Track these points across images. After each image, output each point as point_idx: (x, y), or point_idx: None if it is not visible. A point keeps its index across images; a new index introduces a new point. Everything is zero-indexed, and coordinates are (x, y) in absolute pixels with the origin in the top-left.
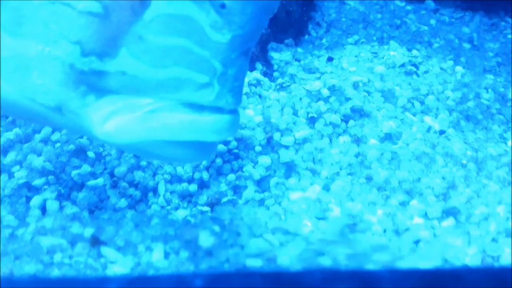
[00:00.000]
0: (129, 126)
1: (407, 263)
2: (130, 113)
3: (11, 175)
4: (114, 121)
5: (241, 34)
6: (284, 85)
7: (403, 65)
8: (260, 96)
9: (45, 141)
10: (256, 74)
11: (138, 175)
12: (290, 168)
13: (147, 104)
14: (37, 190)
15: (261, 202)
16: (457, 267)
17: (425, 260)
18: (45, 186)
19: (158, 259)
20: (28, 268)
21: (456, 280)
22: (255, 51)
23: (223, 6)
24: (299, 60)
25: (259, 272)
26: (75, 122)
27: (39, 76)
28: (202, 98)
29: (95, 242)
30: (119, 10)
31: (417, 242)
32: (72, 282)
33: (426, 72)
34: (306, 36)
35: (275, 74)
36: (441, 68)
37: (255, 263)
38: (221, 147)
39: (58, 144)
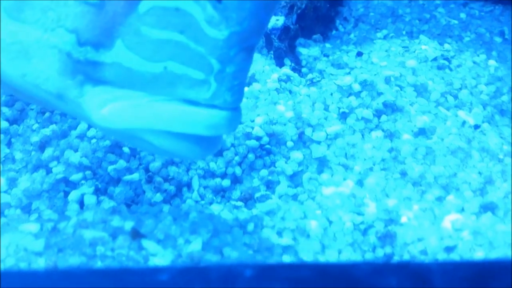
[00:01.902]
0: (124, 112)
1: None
2: (125, 100)
3: (49, 171)
4: (110, 107)
5: (239, 30)
6: (314, 80)
7: (435, 59)
8: (290, 91)
9: (81, 137)
10: (285, 70)
11: (172, 170)
12: (322, 163)
13: (142, 96)
14: (74, 185)
15: (295, 197)
16: (504, 259)
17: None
18: (83, 181)
19: (198, 251)
20: (72, 260)
21: (505, 272)
22: (283, 47)
23: (219, 0)
24: (327, 56)
25: (308, 264)
26: (76, 110)
27: (38, 62)
28: (198, 95)
29: (136, 235)
30: (114, 0)
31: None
32: (124, 272)
33: (459, 66)
34: (334, 32)
35: (304, 70)
36: (474, 62)
37: None
38: (253, 142)
39: (94, 140)
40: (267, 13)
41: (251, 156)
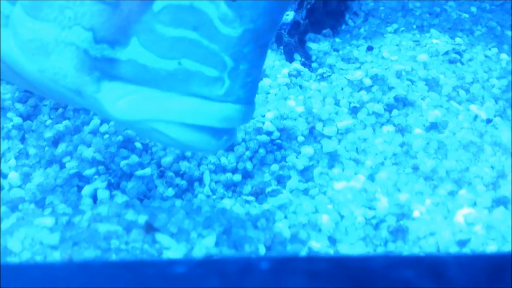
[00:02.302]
0: (140, 104)
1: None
2: (141, 93)
3: (62, 166)
4: (126, 99)
5: (253, 28)
6: (325, 75)
7: (446, 53)
8: (301, 86)
9: (94, 132)
10: (296, 65)
11: (184, 165)
12: (333, 158)
13: (156, 92)
14: (88, 179)
15: (306, 191)
16: None
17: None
18: (96, 176)
19: (211, 245)
20: (87, 253)
21: None
22: (293, 42)
23: None
24: (337, 50)
25: (324, 256)
26: (93, 105)
27: (57, 59)
28: (211, 92)
29: (149, 228)
30: None
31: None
32: (141, 265)
33: (470, 60)
34: (344, 26)
35: (314, 64)
36: (486, 56)
37: None
38: (264, 137)
39: (106, 136)
40: (280, 11)
41: (262, 151)
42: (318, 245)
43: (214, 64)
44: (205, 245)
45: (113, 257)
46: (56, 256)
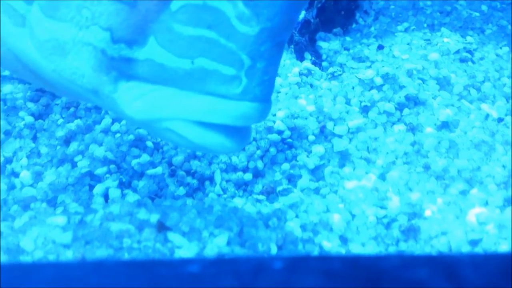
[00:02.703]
0: (156, 103)
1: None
2: (157, 92)
3: (74, 165)
4: (143, 98)
5: (270, 26)
6: (335, 74)
7: (457, 51)
8: (311, 85)
9: (106, 131)
10: (306, 64)
11: (195, 164)
12: (344, 157)
13: (173, 91)
14: (99, 178)
15: (316, 191)
16: None
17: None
18: (107, 175)
19: (222, 245)
20: (100, 252)
21: None
22: (303, 41)
23: None
24: (348, 49)
25: (338, 256)
26: (110, 105)
27: (74, 59)
28: (228, 91)
29: (161, 227)
30: None
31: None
32: (154, 264)
33: (481, 58)
34: (354, 25)
35: (324, 63)
36: (497, 55)
37: None
38: (274, 136)
39: (118, 135)
40: (297, 9)
41: (272, 150)
42: (330, 245)
43: (231, 62)
44: (217, 244)
45: (126, 256)
46: (68, 255)
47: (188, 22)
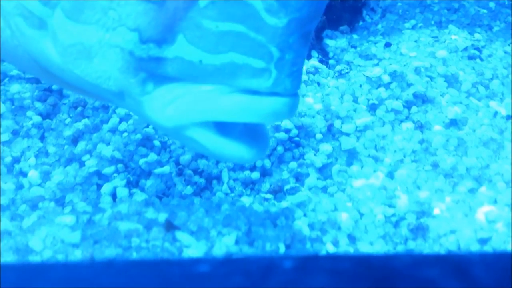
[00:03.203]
0: (187, 107)
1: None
2: (188, 95)
3: (82, 164)
4: (174, 104)
5: (298, 17)
6: (343, 72)
7: (465, 49)
8: (318, 83)
9: (113, 131)
10: (313, 62)
11: (202, 163)
12: (352, 156)
13: (204, 88)
14: (107, 178)
15: (324, 189)
16: None
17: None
18: (115, 174)
19: (230, 244)
20: (108, 252)
21: None
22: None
23: None
24: (355, 47)
25: (348, 255)
26: (137, 108)
27: (100, 62)
28: (259, 84)
29: (170, 226)
30: None
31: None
32: (165, 263)
33: (490, 56)
34: (361, 22)
35: (331, 61)
36: (505, 52)
37: None
38: (282, 135)
39: (125, 134)
40: None
41: (280, 148)
42: (338, 243)
43: (261, 55)
44: (225, 243)
45: (134, 255)
46: (77, 255)
47: (217, 18)
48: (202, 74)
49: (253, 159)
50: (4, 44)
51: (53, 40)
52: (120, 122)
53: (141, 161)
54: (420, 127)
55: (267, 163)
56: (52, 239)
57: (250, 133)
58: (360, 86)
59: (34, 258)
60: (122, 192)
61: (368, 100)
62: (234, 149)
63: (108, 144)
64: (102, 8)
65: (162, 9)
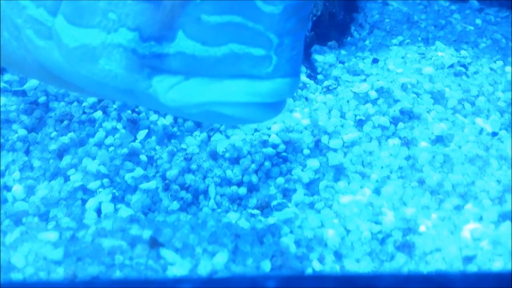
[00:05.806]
0: (191, 89)
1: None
2: (191, 79)
3: (66, 179)
4: (176, 87)
5: (293, 2)
6: (330, 87)
7: (452, 65)
8: (306, 99)
9: (99, 145)
10: (301, 77)
11: (189, 178)
12: (339, 171)
13: (206, 80)
14: (92, 193)
15: (311, 205)
16: None
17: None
18: (100, 189)
19: (216, 261)
20: (91, 269)
21: None
22: None
23: None
24: (343, 62)
25: (332, 275)
26: (146, 101)
27: (105, 62)
28: (260, 71)
29: (154, 244)
30: None
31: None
32: (146, 283)
33: (475, 72)
34: (349, 38)
35: (319, 76)
36: (491, 69)
37: None
38: (269, 150)
39: (111, 148)
40: None
41: (267, 163)
42: (324, 260)
43: (261, 43)
44: (210, 262)
45: (117, 273)
46: (59, 272)
47: (214, 11)
48: (204, 66)
49: (274, 115)
50: (12, 55)
51: (58, 46)
52: (106, 136)
53: (127, 176)
54: (407, 143)
55: (254, 178)
56: (34, 255)
57: None
58: (348, 101)
59: (16, 276)
60: (107, 207)
61: (355, 115)
62: (253, 110)
63: (94, 158)
64: (102, 11)
65: (160, 8)
